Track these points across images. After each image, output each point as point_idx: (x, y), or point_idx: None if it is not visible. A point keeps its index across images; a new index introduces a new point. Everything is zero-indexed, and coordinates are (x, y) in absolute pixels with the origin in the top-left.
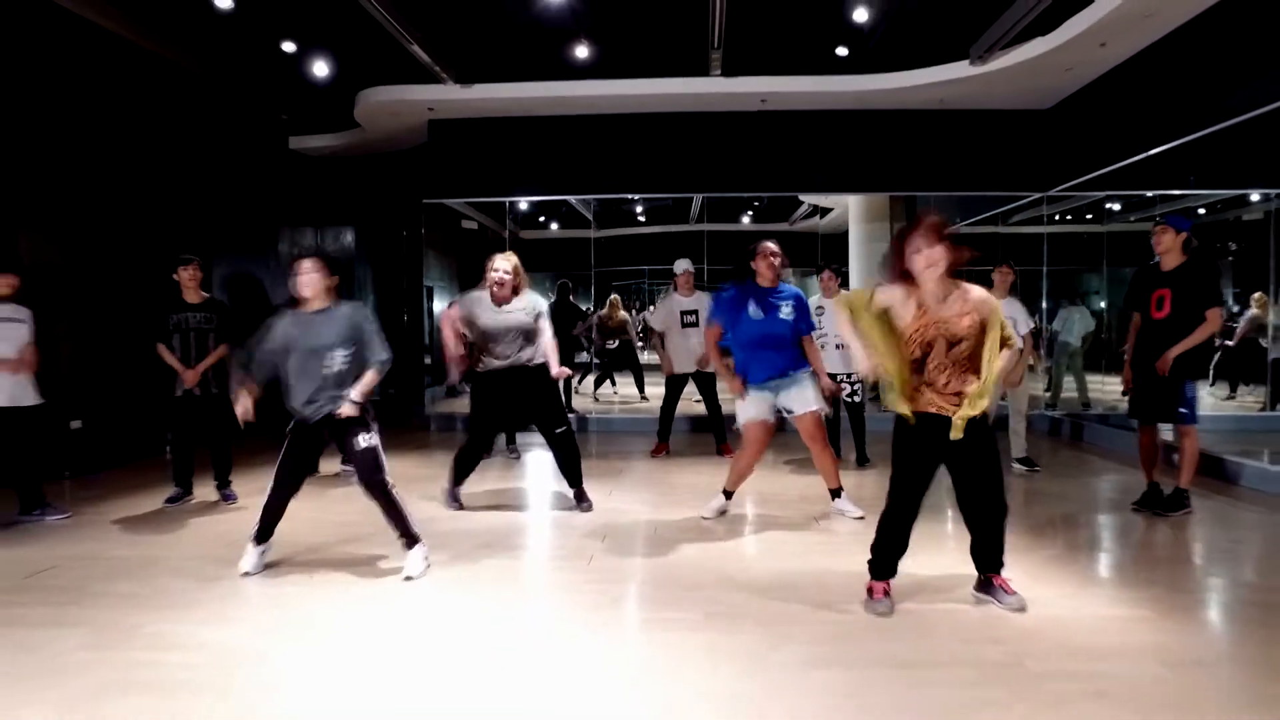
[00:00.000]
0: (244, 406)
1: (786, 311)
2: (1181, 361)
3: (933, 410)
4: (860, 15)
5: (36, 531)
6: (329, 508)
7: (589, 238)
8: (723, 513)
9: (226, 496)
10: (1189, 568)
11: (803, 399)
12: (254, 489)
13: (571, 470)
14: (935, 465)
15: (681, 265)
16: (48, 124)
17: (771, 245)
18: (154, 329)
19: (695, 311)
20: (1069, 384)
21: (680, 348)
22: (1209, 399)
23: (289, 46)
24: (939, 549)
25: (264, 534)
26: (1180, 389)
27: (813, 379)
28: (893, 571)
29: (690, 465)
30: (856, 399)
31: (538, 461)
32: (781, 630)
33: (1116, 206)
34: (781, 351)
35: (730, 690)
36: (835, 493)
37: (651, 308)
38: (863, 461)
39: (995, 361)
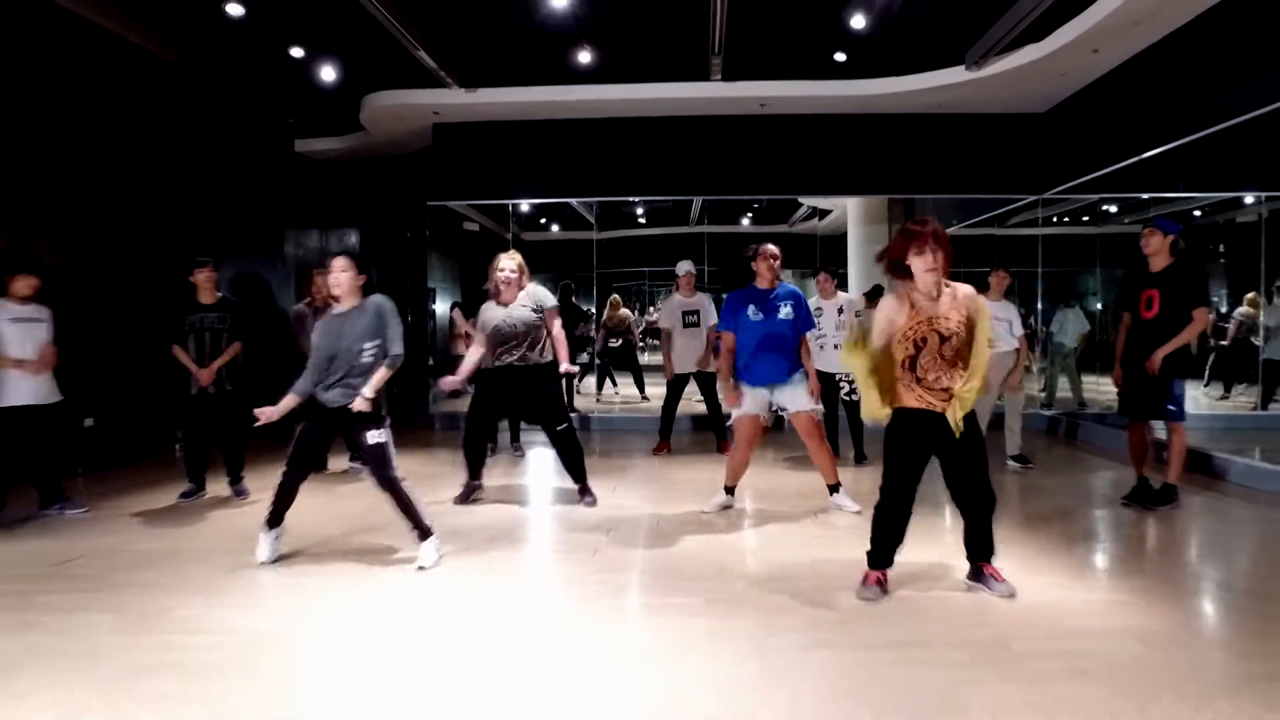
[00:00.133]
0: (274, 414)
1: (786, 311)
2: (1170, 360)
3: (923, 406)
4: (857, 22)
5: (57, 525)
6: (339, 503)
7: (591, 239)
8: (726, 507)
9: (239, 492)
10: (1174, 558)
11: (798, 398)
12: (266, 485)
13: (575, 467)
14: (926, 459)
15: (684, 267)
16: (61, 129)
17: (772, 247)
18: (170, 330)
19: (696, 311)
20: (1064, 384)
21: (682, 347)
22: (1203, 399)
23: (296, 52)
24: (934, 541)
25: (275, 519)
26: (1169, 387)
27: (806, 380)
28: (889, 562)
29: (691, 463)
30: (855, 398)
31: (541, 459)
32: (780, 616)
33: (1113, 209)
34: (782, 353)
35: (731, 671)
36: (833, 488)
37: (652, 309)
38: (860, 459)
39: (982, 356)
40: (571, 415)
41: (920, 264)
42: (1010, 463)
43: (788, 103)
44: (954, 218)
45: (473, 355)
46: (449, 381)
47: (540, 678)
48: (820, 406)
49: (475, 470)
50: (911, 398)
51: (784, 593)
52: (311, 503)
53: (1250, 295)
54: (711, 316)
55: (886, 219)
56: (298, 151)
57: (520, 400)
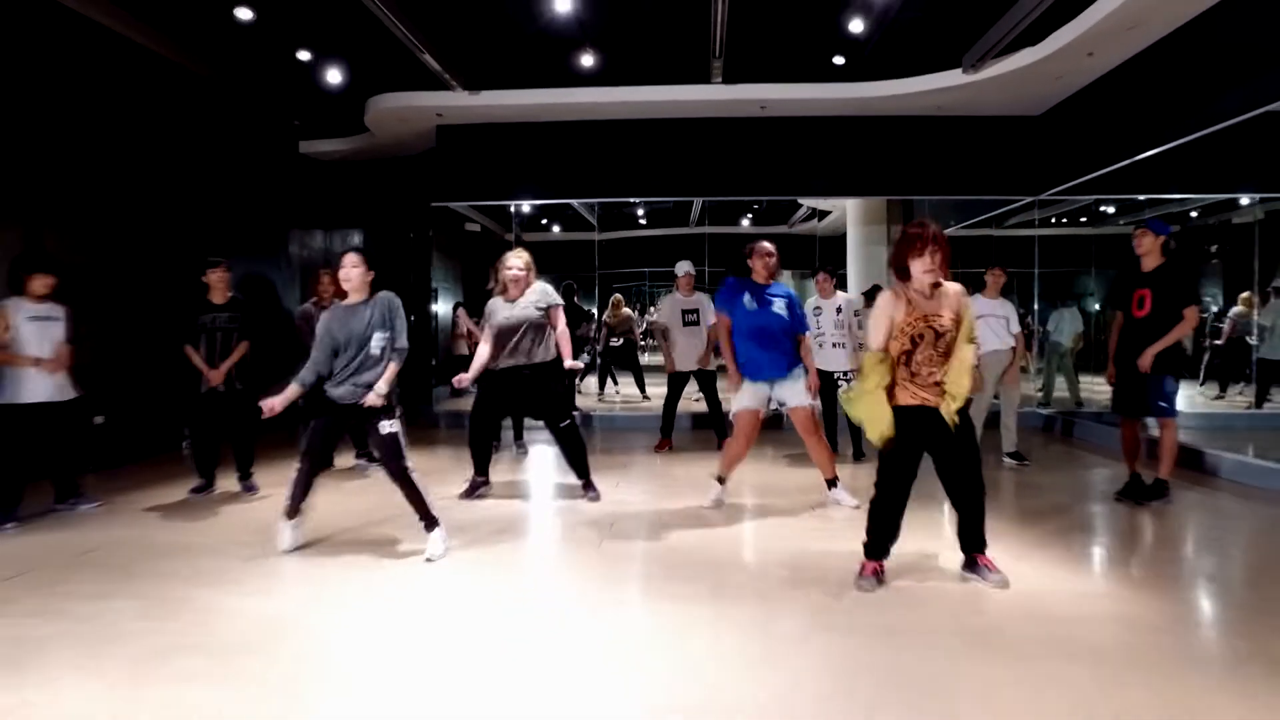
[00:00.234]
0: (277, 404)
1: (779, 306)
2: (1161, 358)
3: (916, 403)
4: (856, 26)
5: (72, 519)
6: (347, 498)
7: (593, 240)
8: (720, 503)
9: (248, 488)
10: (1162, 551)
11: (796, 393)
12: (274, 481)
13: (578, 462)
14: (920, 454)
15: (683, 267)
16: (71, 130)
17: (766, 245)
18: (183, 330)
19: (696, 311)
20: (1062, 383)
21: (682, 346)
22: (1199, 398)
23: (303, 55)
24: (930, 534)
25: (293, 510)
26: (1160, 384)
27: (804, 375)
28: (884, 553)
29: (692, 460)
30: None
31: (545, 456)
32: (780, 604)
33: (1111, 209)
34: (779, 347)
35: (733, 654)
36: (831, 483)
37: (652, 309)
38: (859, 456)
39: (966, 349)
40: (574, 414)
41: (919, 266)
42: (1006, 460)
43: (787, 105)
44: (952, 218)
45: (482, 352)
46: (463, 379)
47: (548, 661)
48: (818, 403)
49: (482, 467)
50: (906, 395)
51: (784, 583)
52: (321, 498)
53: (1244, 295)
54: (711, 315)
55: (885, 220)
56: (302, 153)
57: (524, 399)
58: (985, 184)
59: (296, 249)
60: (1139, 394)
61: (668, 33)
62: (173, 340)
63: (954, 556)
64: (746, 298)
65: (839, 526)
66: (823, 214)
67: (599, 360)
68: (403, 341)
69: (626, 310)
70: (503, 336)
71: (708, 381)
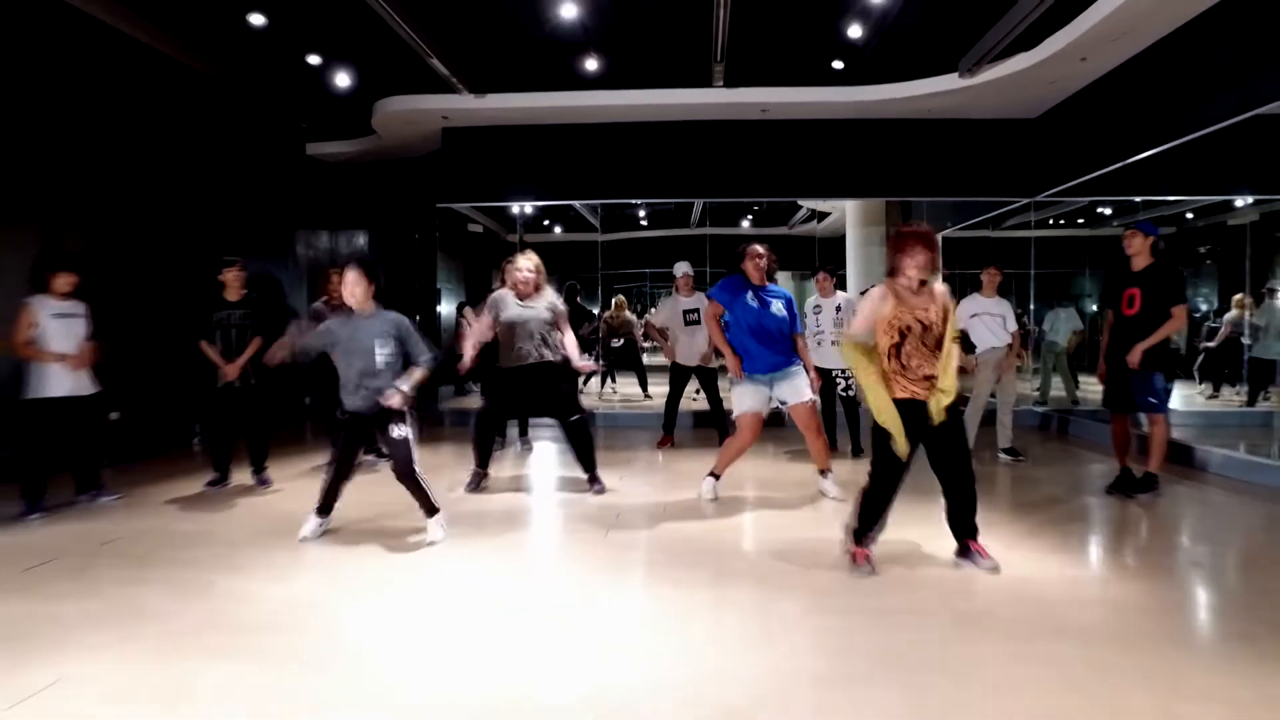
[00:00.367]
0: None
1: (778, 307)
2: (1150, 355)
3: (907, 396)
4: (854, 31)
5: (93, 511)
6: (358, 492)
7: (596, 241)
8: (715, 497)
9: (262, 481)
10: (1151, 540)
11: (796, 390)
12: (287, 475)
13: (585, 456)
14: (913, 446)
15: (681, 268)
16: (86, 131)
17: (758, 247)
18: (198, 327)
19: (696, 310)
20: (1058, 382)
21: (684, 345)
22: (1198, 398)
23: (313, 59)
24: (924, 524)
25: (325, 509)
26: (1149, 380)
27: (804, 373)
28: (871, 540)
29: (694, 456)
30: (851, 393)
31: (550, 452)
32: (780, 587)
33: (1108, 211)
34: (778, 345)
35: (734, 633)
36: (823, 473)
37: (653, 310)
38: (857, 452)
39: (952, 347)
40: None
41: (908, 261)
42: (1002, 455)
43: (788, 108)
44: (949, 220)
45: (473, 337)
46: (465, 365)
47: (557, 640)
48: (817, 399)
49: (484, 460)
50: (897, 388)
51: (783, 568)
52: None
53: (1237, 297)
54: None
55: (884, 221)
56: (309, 154)
57: (535, 397)
58: (982, 186)
59: (303, 249)
60: (1129, 390)
61: (670, 37)
62: (185, 337)
63: (947, 545)
64: (749, 295)
65: (837, 517)
66: (822, 215)
67: (600, 360)
68: (427, 352)
69: (628, 314)
70: (513, 333)
71: (709, 379)
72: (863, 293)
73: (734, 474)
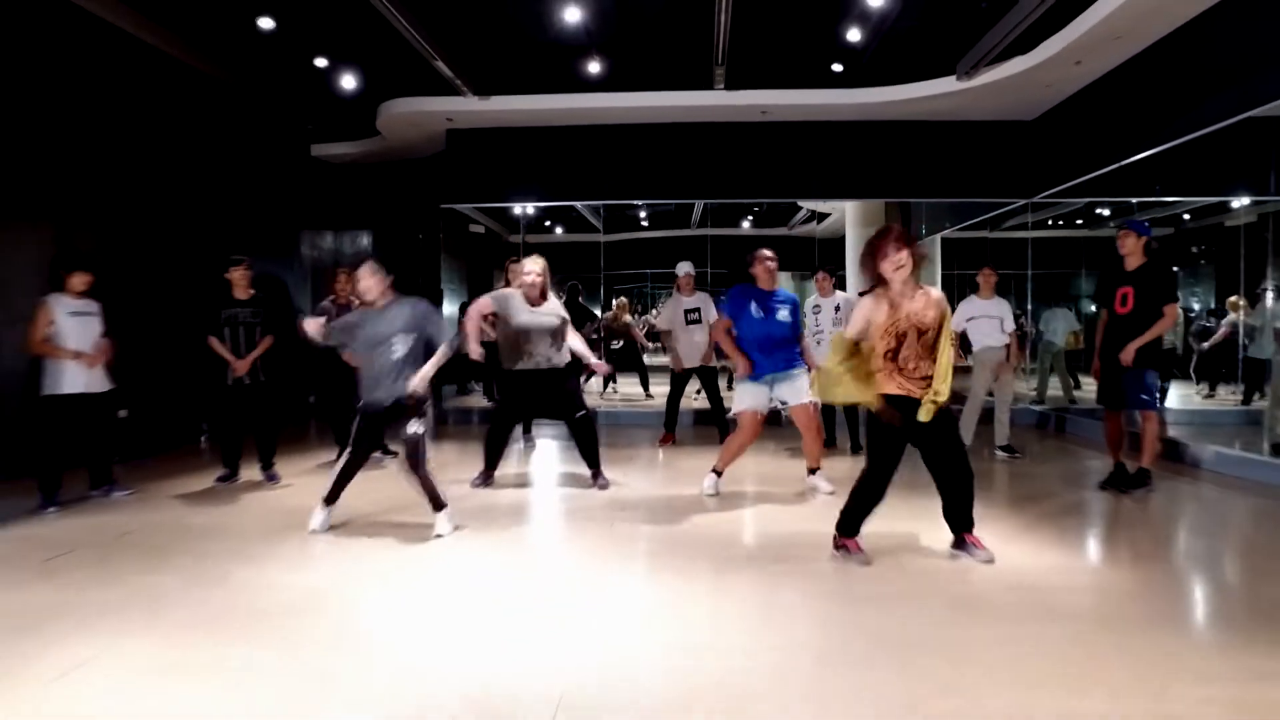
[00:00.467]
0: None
1: (784, 315)
2: (1142, 353)
3: (903, 393)
4: (854, 35)
5: (107, 505)
6: (368, 487)
7: (598, 242)
8: (716, 493)
9: (270, 477)
10: (1141, 532)
11: (796, 391)
12: (294, 471)
13: (590, 452)
14: (905, 442)
15: (683, 268)
16: (98, 132)
17: (767, 251)
18: (206, 323)
19: (698, 309)
20: (1055, 381)
21: (685, 344)
22: (1196, 397)
23: (320, 62)
24: (920, 518)
25: (333, 497)
26: (1141, 377)
27: (807, 374)
28: (857, 530)
29: (695, 453)
30: None
31: (553, 450)
32: (779, 576)
33: (1106, 212)
34: (780, 352)
35: (736, 616)
36: (813, 471)
37: (654, 310)
38: (856, 449)
39: (948, 351)
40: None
41: (888, 265)
42: (999, 453)
43: (788, 110)
44: (948, 221)
45: (475, 320)
46: (476, 351)
47: (563, 623)
48: (817, 400)
49: (493, 463)
50: (892, 385)
51: (781, 558)
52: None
53: (1232, 299)
54: (712, 314)
55: (884, 222)
56: (314, 155)
57: (542, 399)
58: (980, 187)
59: (308, 250)
60: (1122, 387)
61: (672, 40)
62: (191, 336)
63: (942, 537)
64: (753, 306)
65: (831, 511)
66: (822, 216)
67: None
68: (443, 337)
69: (628, 317)
70: (522, 339)
71: (709, 378)
72: (862, 294)
73: (734, 470)
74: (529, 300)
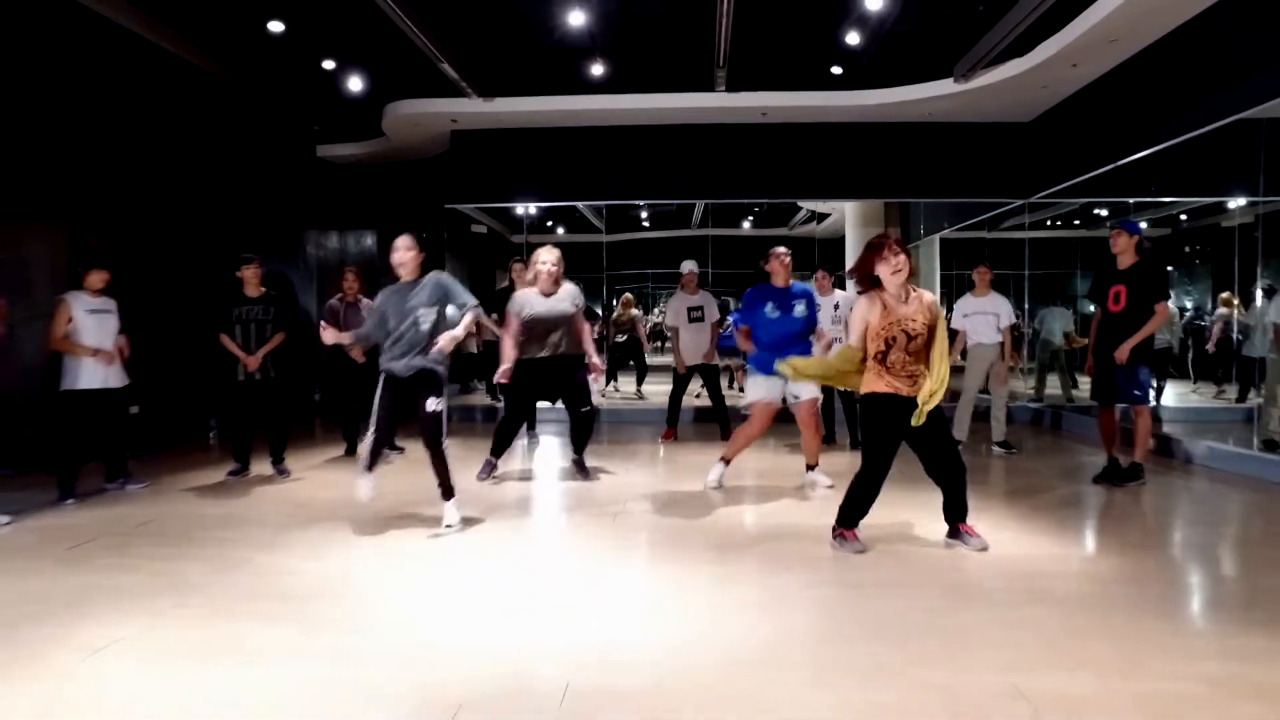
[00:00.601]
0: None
1: (800, 310)
2: (1136, 349)
3: (890, 391)
4: (853, 38)
5: (123, 497)
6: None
7: (600, 242)
8: (721, 484)
9: (281, 471)
10: (1132, 523)
11: (806, 386)
12: (302, 466)
13: (580, 440)
14: (899, 438)
15: (688, 266)
16: (108, 133)
17: (781, 248)
18: (218, 321)
19: (701, 308)
20: (1053, 380)
21: (687, 342)
22: (1192, 396)
23: (328, 64)
24: (916, 510)
25: (371, 466)
26: (1134, 373)
27: None
28: (855, 523)
29: (697, 449)
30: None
31: (556, 445)
32: (781, 563)
33: (1104, 213)
34: (796, 345)
35: (738, 601)
36: (810, 467)
37: (657, 310)
38: (856, 444)
39: (943, 358)
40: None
41: (886, 269)
42: (995, 448)
43: (788, 112)
44: (946, 221)
45: (509, 347)
46: (503, 374)
47: (571, 611)
48: (820, 396)
49: (499, 451)
50: (881, 384)
51: (783, 547)
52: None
53: (1224, 295)
54: (714, 313)
55: (883, 222)
56: (319, 156)
57: (553, 386)
58: (978, 188)
59: (312, 249)
60: (1115, 383)
61: (674, 43)
62: (200, 333)
63: (937, 527)
64: (769, 307)
65: (830, 505)
66: (821, 217)
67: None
68: (471, 299)
69: (635, 311)
70: (537, 328)
71: (710, 376)
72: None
73: (735, 466)
74: (543, 290)
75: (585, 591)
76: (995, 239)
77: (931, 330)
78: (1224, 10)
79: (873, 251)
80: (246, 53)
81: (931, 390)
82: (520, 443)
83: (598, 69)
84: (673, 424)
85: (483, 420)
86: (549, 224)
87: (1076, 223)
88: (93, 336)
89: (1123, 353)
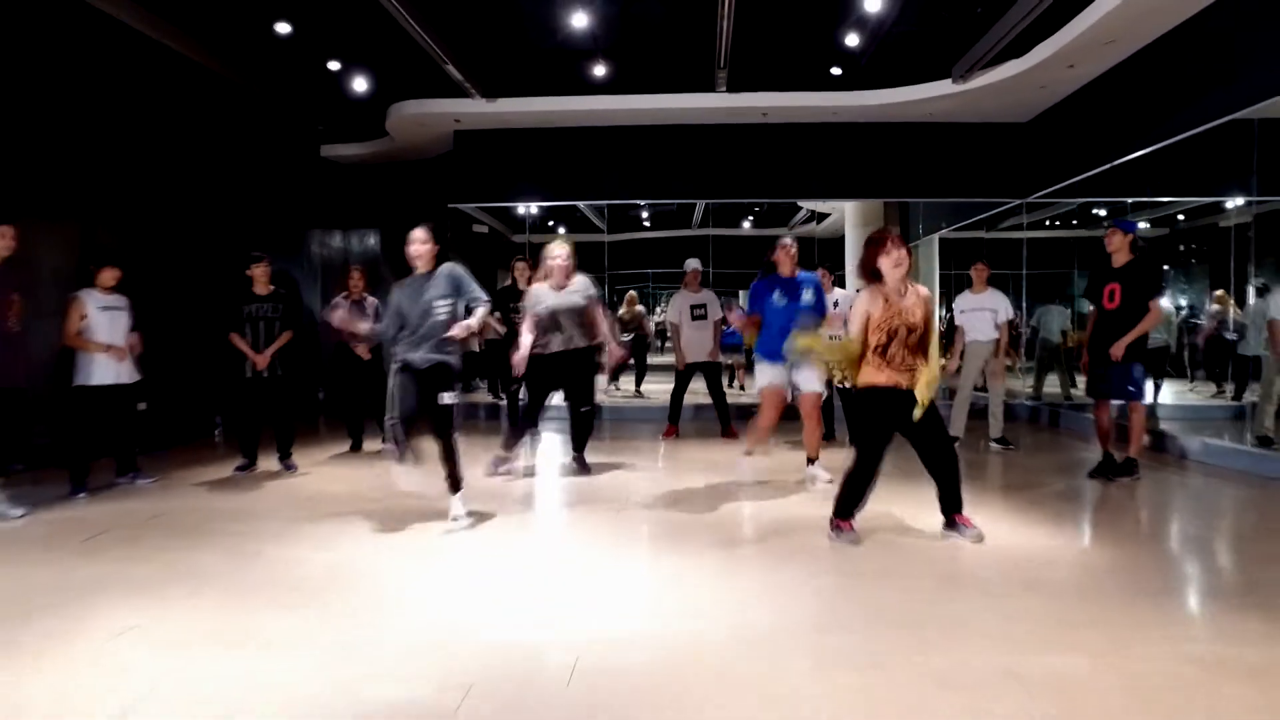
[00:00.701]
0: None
1: (808, 296)
2: (1130, 346)
3: (890, 384)
4: (852, 39)
5: (134, 491)
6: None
7: (602, 242)
8: (752, 478)
9: (288, 466)
10: (1125, 515)
11: (810, 379)
12: (308, 462)
13: (580, 438)
14: (893, 430)
15: (691, 264)
16: (116, 133)
17: (788, 239)
18: (228, 319)
19: (704, 305)
20: (1052, 379)
21: (690, 339)
22: (1189, 394)
23: (333, 65)
24: (910, 503)
25: (403, 456)
26: (1129, 370)
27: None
28: (851, 514)
29: (698, 444)
30: (846, 384)
31: (559, 442)
32: (781, 554)
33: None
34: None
35: (740, 589)
36: (811, 460)
37: (659, 309)
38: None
39: (934, 351)
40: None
41: (888, 262)
42: (993, 444)
43: (788, 112)
44: (945, 221)
45: (526, 341)
46: (518, 365)
47: (578, 597)
48: (824, 391)
49: (512, 444)
50: (881, 376)
51: (783, 540)
52: (359, 476)
53: (1218, 293)
54: (717, 311)
55: (882, 222)
56: (323, 156)
57: (563, 379)
58: (976, 187)
59: (316, 248)
60: (1111, 379)
61: (675, 44)
62: (205, 331)
63: (932, 520)
64: (776, 295)
65: (829, 498)
66: (821, 216)
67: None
68: (483, 295)
69: (640, 308)
70: (549, 321)
71: (712, 374)
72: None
73: (736, 460)
74: (555, 284)
75: (589, 581)
76: (994, 239)
77: (926, 323)
78: (1215, 14)
79: (875, 246)
80: (252, 53)
81: (928, 381)
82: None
83: (600, 70)
84: (674, 420)
85: (485, 418)
86: (550, 223)
87: (1075, 222)
88: (105, 333)
89: (1118, 349)
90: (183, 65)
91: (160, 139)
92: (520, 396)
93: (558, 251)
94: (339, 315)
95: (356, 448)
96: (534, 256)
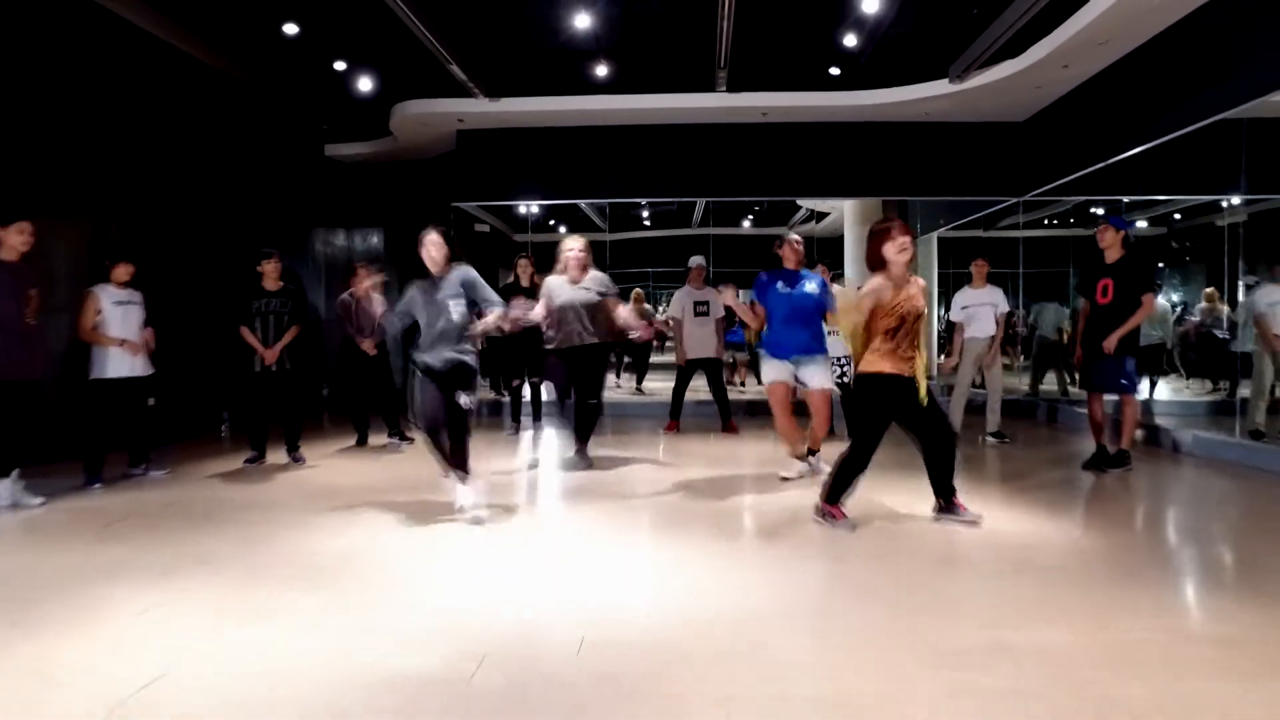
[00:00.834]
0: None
1: (811, 286)
2: (1123, 340)
3: (895, 372)
4: (850, 40)
5: (146, 482)
6: (389, 469)
7: (603, 241)
8: (799, 475)
9: (296, 459)
10: (1115, 503)
11: (818, 375)
12: (316, 455)
13: (584, 431)
14: (889, 420)
15: (695, 260)
16: (125, 131)
17: (793, 235)
18: (238, 313)
19: (707, 303)
20: (1050, 378)
21: (692, 335)
22: (1185, 391)
23: (339, 65)
24: (904, 492)
25: (449, 468)
26: (1121, 363)
27: (827, 362)
28: (842, 500)
29: (699, 440)
30: (846, 379)
31: (560, 436)
32: (781, 539)
33: (1100, 211)
34: (807, 327)
35: (740, 573)
36: (813, 452)
37: (660, 308)
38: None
39: (923, 342)
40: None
41: (893, 248)
42: (990, 439)
43: (787, 112)
44: (942, 219)
45: (539, 313)
46: (517, 315)
47: (584, 580)
48: (835, 390)
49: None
50: (887, 364)
51: (781, 526)
52: (366, 468)
53: (1209, 290)
54: (719, 309)
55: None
56: (327, 155)
57: (577, 373)
58: (974, 186)
59: (320, 247)
60: (1103, 372)
61: (676, 45)
62: (213, 326)
63: (925, 507)
64: (779, 285)
65: None
66: (821, 215)
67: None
68: (495, 298)
69: (646, 306)
70: (563, 315)
71: (714, 370)
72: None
73: (735, 453)
74: (571, 278)
75: (595, 565)
76: (991, 237)
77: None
78: (1207, 14)
79: (879, 235)
80: (259, 53)
81: (924, 367)
82: (526, 433)
83: (602, 70)
84: (676, 415)
85: (488, 415)
86: (552, 223)
87: (1071, 221)
88: (119, 327)
89: (1110, 343)
90: (190, 65)
91: (169, 138)
92: (523, 392)
93: (572, 244)
94: (366, 281)
95: (362, 442)
96: (536, 255)
